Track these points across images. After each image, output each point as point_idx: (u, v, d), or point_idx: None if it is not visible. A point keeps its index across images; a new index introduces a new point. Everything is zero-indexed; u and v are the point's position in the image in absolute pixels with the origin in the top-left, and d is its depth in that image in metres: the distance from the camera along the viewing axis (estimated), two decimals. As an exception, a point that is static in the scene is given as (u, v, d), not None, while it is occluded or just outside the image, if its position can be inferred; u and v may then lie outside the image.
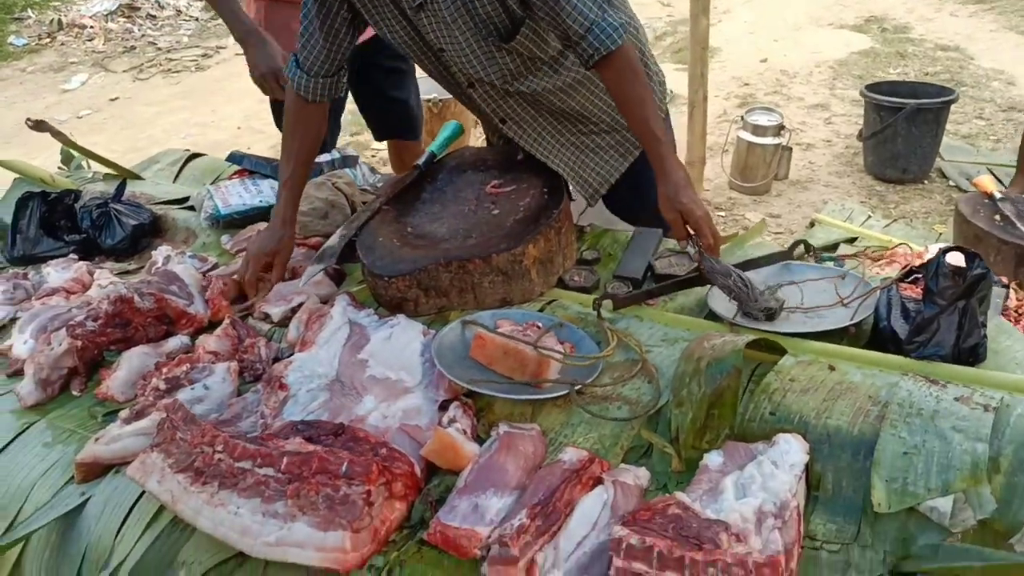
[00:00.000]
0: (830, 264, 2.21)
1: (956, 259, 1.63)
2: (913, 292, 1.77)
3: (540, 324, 1.94)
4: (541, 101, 2.31)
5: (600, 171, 2.46)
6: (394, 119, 3.69)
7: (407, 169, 2.92)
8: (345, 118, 3.70)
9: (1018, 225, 3.48)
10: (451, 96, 5.07)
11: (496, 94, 2.30)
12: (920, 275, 1.77)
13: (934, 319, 1.63)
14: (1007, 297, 2.24)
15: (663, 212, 1.98)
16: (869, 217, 4.56)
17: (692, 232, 1.94)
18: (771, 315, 1.87)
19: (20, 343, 2.15)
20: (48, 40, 9.31)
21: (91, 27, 9.48)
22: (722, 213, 4.81)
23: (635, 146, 2.44)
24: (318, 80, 2.25)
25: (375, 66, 3.49)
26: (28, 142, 6.54)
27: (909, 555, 1.34)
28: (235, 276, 2.29)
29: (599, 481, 1.50)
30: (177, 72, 8.29)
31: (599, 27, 1.96)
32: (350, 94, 3.61)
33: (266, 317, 2.18)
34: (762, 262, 2.13)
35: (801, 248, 2.12)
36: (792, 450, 1.47)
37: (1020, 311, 2.48)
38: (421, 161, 2.51)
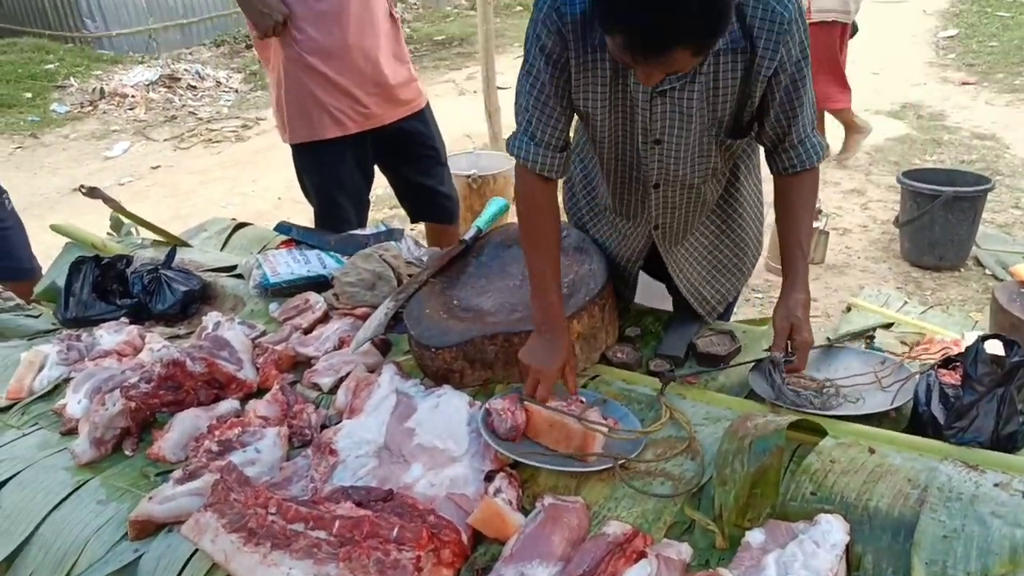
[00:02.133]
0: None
1: (995, 347, 1.66)
2: (952, 378, 1.80)
3: (584, 399, 1.99)
4: (701, 211, 2.30)
5: (720, 290, 2.44)
6: (427, 205, 3.82)
7: (441, 247, 3.05)
8: (378, 192, 3.79)
9: (1054, 315, 3.50)
10: (490, 174, 5.27)
11: (672, 200, 2.21)
12: (959, 362, 1.81)
13: (973, 405, 1.66)
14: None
15: (776, 319, 2.02)
16: (905, 303, 4.57)
17: (790, 350, 1.98)
18: (813, 404, 1.91)
19: (74, 403, 2.21)
20: (90, 108, 9.54)
21: (133, 96, 9.72)
22: (759, 295, 4.84)
23: (749, 268, 2.48)
24: (558, 155, 2.06)
25: (406, 154, 3.64)
26: (73, 208, 6.70)
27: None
28: (287, 349, 2.35)
29: (643, 555, 1.52)
30: (218, 142, 8.47)
31: (811, 142, 2.06)
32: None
33: (315, 386, 2.23)
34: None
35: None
36: (833, 530, 1.49)
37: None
38: (468, 236, 2.58)
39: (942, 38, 10.27)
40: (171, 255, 2.84)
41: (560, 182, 2.16)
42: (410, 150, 3.61)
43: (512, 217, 5.01)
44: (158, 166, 7.94)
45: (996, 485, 1.56)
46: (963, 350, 1.79)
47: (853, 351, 2.13)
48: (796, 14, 1.88)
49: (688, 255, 2.37)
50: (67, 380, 2.36)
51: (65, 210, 6.76)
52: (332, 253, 2.80)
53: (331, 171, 3.45)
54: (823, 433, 1.78)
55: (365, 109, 3.35)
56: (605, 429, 1.84)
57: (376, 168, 3.68)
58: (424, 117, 3.60)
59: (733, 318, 2.69)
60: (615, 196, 2.29)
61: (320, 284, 2.69)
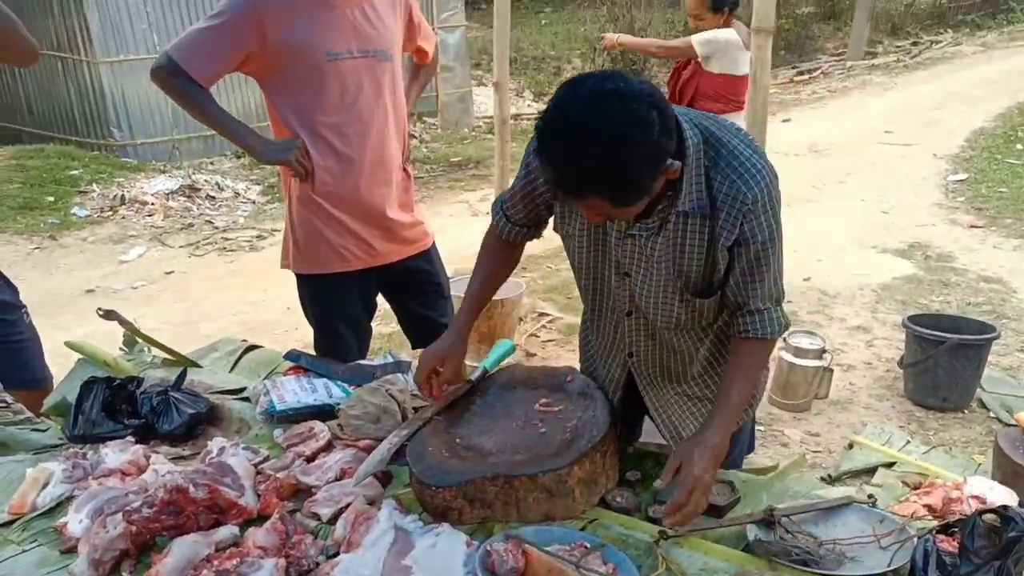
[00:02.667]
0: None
1: (992, 518, 1.68)
2: (950, 545, 1.80)
3: (587, 544, 1.99)
4: (676, 354, 2.40)
5: (696, 425, 2.47)
6: (427, 335, 3.82)
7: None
8: (385, 307, 3.86)
9: (1057, 466, 3.50)
10: (499, 298, 5.33)
11: (645, 332, 2.38)
12: (957, 528, 1.82)
13: (970, 576, 1.67)
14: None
15: (675, 448, 2.14)
16: (908, 442, 4.58)
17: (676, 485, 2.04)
18: (810, 562, 1.91)
19: (75, 522, 2.22)
20: (110, 213, 9.70)
21: (152, 203, 9.89)
22: (761, 428, 4.84)
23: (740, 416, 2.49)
24: (520, 228, 2.48)
25: (410, 289, 3.71)
26: (84, 310, 6.78)
27: None
28: (289, 477, 2.37)
29: None
30: (232, 251, 8.59)
31: (769, 315, 2.17)
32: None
33: (314, 515, 2.24)
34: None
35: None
36: None
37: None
38: (473, 376, 2.62)
39: (952, 181, 10.43)
40: (181, 377, 2.88)
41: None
42: (414, 286, 3.69)
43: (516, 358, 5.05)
44: (172, 271, 8.05)
45: (992, 658, 1.56)
46: (961, 517, 1.80)
47: (852, 508, 2.13)
48: (764, 196, 2.02)
49: (673, 396, 2.47)
50: (70, 498, 2.37)
51: (77, 310, 6.85)
52: (339, 383, 2.84)
53: (334, 303, 3.52)
54: (820, 592, 1.78)
55: (371, 248, 3.44)
56: (602, 578, 1.85)
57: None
58: (429, 256, 3.68)
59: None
60: (593, 320, 2.52)
61: (325, 412, 2.71)
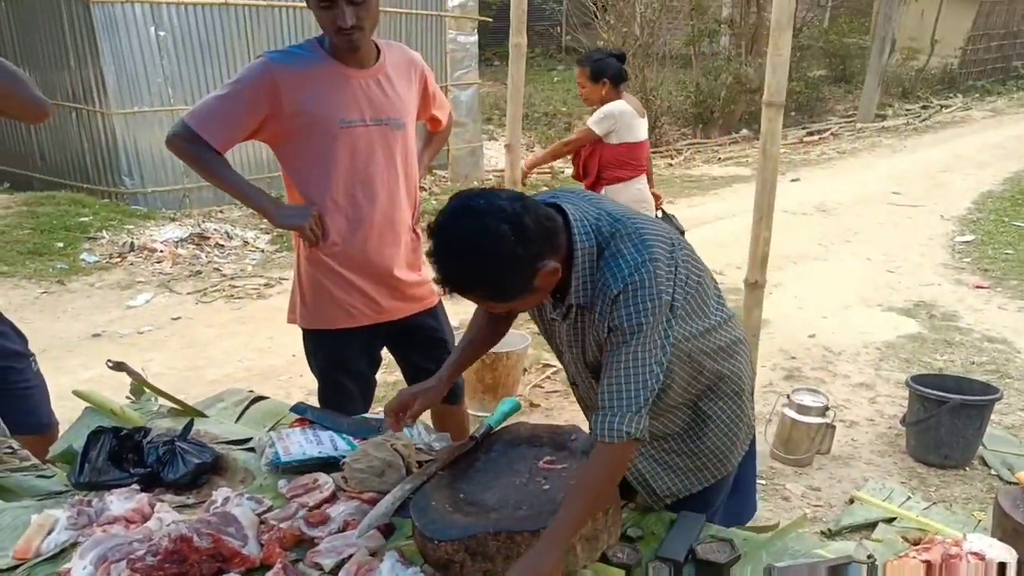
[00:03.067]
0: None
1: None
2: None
3: None
4: None
5: (671, 486, 2.59)
6: None
7: (446, 429, 3.28)
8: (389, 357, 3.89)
9: (1057, 525, 3.49)
10: (504, 351, 5.37)
11: (589, 402, 2.54)
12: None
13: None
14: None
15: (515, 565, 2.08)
16: (909, 498, 4.59)
17: None
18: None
19: (79, 569, 2.23)
20: (119, 259, 9.75)
21: (161, 251, 9.95)
22: (763, 481, 4.83)
23: (713, 475, 2.61)
24: None
25: (415, 345, 3.75)
26: (90, 354, 6.81)
27: None
28: (292, 527, 2.39)
29: None
30: (239, 298, 8.62)
31: (610, 419, 2.15)
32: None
33: (317, 565, 2.25)
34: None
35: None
36: None
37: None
38: (479, 433, 2.66)
39: (959, 242, 10.49)
40: (188, 428, 2.92)
41: None
42: (419, 341, 3.73)
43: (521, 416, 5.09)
44: (179, 317, 8.08)
45: None
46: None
47: (852, 568, 2.14)
48: (627, 290, 2.14)
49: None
50: (74, 545, 2.38)
51: (83, 354, 6.86)
52: (345, 436, 2.87)
53: (338, 358, 3.56)
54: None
55: (378, 306, 3.47)
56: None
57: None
58: (435, 312, 3.72)
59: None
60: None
61: (330, 464, 2.74)
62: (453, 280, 2.10)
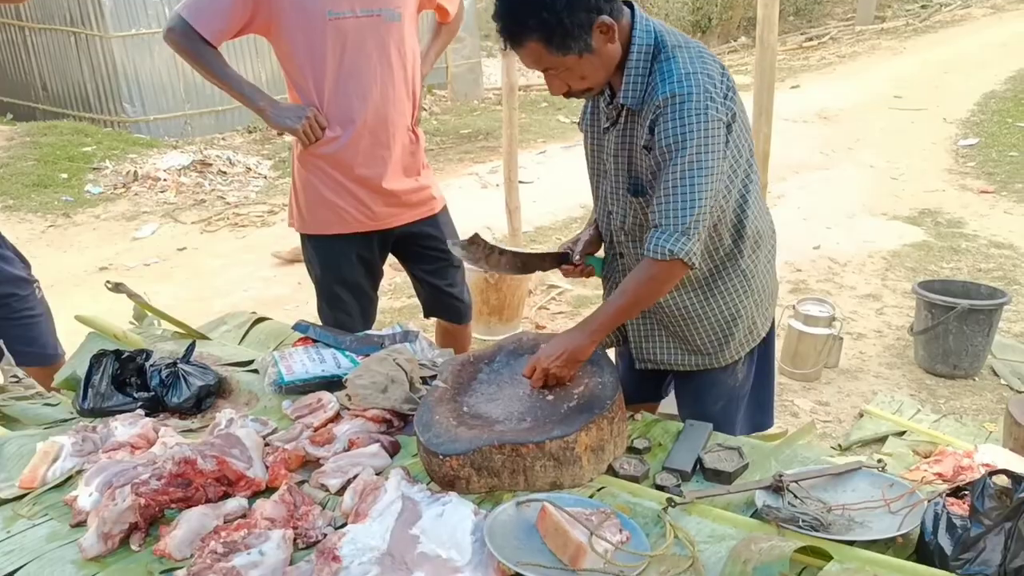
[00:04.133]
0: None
1: (1002, 480, 1.66)
2: (960, 508, 1.79)
3: (606, 511, 1.98)
4: None
5: (659, 354, 2.64)
6: (437, 304, 3.87)
7: (449, 346, 3.29)
8: (396, 281, 3.84)
9: (1070, 433, 3.47)
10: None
11: (636, 251, 2.50)
12: (968, 491, 1.80)
13: (980, 538, 1.66)
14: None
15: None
16: (918, 411, 4.56)
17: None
18: (819, 527, 1.90)
19: (85, 495, 2.22)
20: (123, 190, 9.71)
21: (165, 180, 9.90)
22: (772, 398, 4.84)
23: (703, 362, 2.61)
24: None
25: (416, 255, 3.70)
26: (97, 287, 6.76)
27: None
28: (297, 449, 2.38)
29: None
30: (244, 227, 8.60)
31: (659, 235, 2.17)
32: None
33: (322, 486, 2.24)
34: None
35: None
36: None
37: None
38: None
39: (962, 146, 10.37)
40: (190, 350, 2.88)
41: None
42: (420, 252, 3.66)
43: (522, 311, 5.06)
44: (184, 248, 8.07)
45: (1001, 620, 1.54)
46: (972, 480, 1.78)
47: (862, 473, 2.11)
48: (675, 99, 2.12)
49: (648, 323, 2.61)
50: (80, 472, 2.38)
51: (90, 288, 6.86)
52: (348, 353, 2.84)
53: (333, 265, 3.52)
54: (828, 557, 1.77)
55: (370, 211, 3.41)
56: (611, 546, 1.84)
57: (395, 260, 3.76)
58: (435, 221, 3.63)
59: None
60: (608, 246, 2.67)
61: (334, 383, 2.71)
62: (513, 16, 2.12)
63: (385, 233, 3.51)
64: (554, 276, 6.63)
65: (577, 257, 2.65)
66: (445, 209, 3.70)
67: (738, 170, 2.31)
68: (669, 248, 2.15)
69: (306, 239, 3.54)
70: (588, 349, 2.34)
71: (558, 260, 2.72)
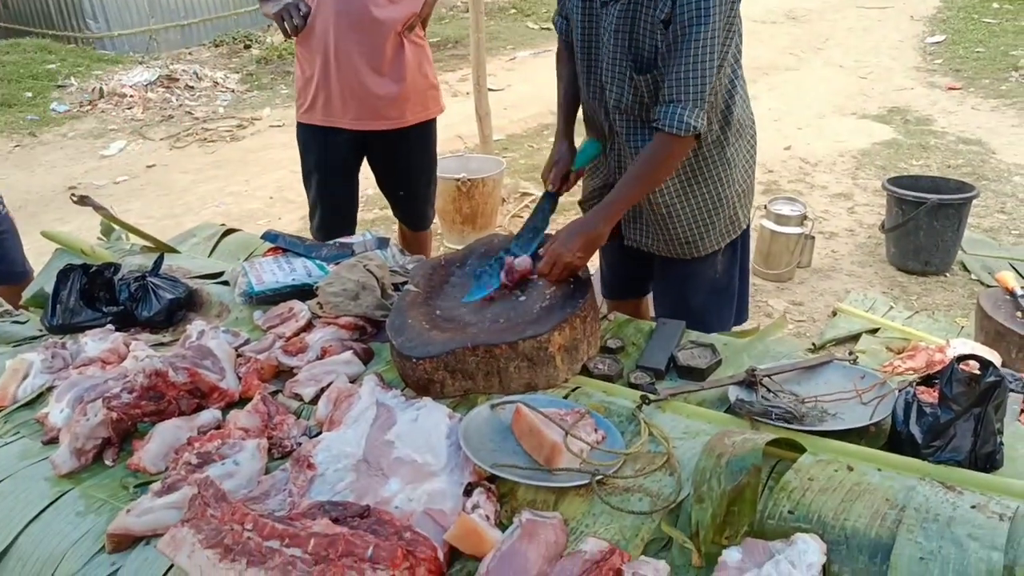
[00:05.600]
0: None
1: (971, 366, 1.66)
2: (931, 396, 1.79)
3: (581, 411, 1.98)
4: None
5: (643, 238, 2.68)
6: (400, 208, 3.95)
7: (410, 249, 3.36)
8: (369, 193, 3.84)
9: (1039, 322, 3.51)
10: (480, 177, 5.29)
11: (631, 131, 2.46)
12: (938, 379, 1.80)
13: (950, 425, 1.66)
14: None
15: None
16: (891, 308, 4.60)
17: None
18: (792, 419, 1.90)
19: (56, 412, 2.20)
20: (89, 107, 9.54)
21: (131, 96, 9.71)
22: (743, 295, 4.87)
23: (685, 251, 2.62)
24: (565, 19, 2.56)
25: (388, 162, 3.71)
26: (67, 207, 6.70)
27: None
28: (270, 359, 2.36)
29: (619, 573, 1.52)
30: (213, 142, 8.46)
31: (677, 110, 2.16)
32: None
33: (296, 396, 2.22)
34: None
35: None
36: (809, 550, 1.49)
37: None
38: (545, 204, 2.66)
39: (929, 43, 10.34)
40: (159, 262, 2.83)
41: None
42: (392, 158, 3.67)
43: (495, 220, 5.05)
44: (153, 165, 7.95)
45: (973, 507, 1.55)
46: (941, 368, 1.78)
47: (833, 365, 2.12)
48: None
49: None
50: (51, 388, 2.35)
51: (60, 208, 6.78)
52: (317, 261, 2.80)
53: (320, 154, 3.58)
54: (801, 449, 1.77)
55: (348, 109, 3.43)
56: (586, 445, 1.84)
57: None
58: (408, 134, 3.61)
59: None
60: (595, 129, 2.64)
61: (305, 292, 2.68)
62: None
63: (364, 135, 3.56)
64: (527, 183, 6.58)
65: (570, 178, 2.66)
66: (429, 124, 3.73)
67: (730, 51, 2.29)
68: (690, 123, 2.17)
69: (298, 127, 3.65)
70: (605, 234, 2.34)
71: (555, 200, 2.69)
